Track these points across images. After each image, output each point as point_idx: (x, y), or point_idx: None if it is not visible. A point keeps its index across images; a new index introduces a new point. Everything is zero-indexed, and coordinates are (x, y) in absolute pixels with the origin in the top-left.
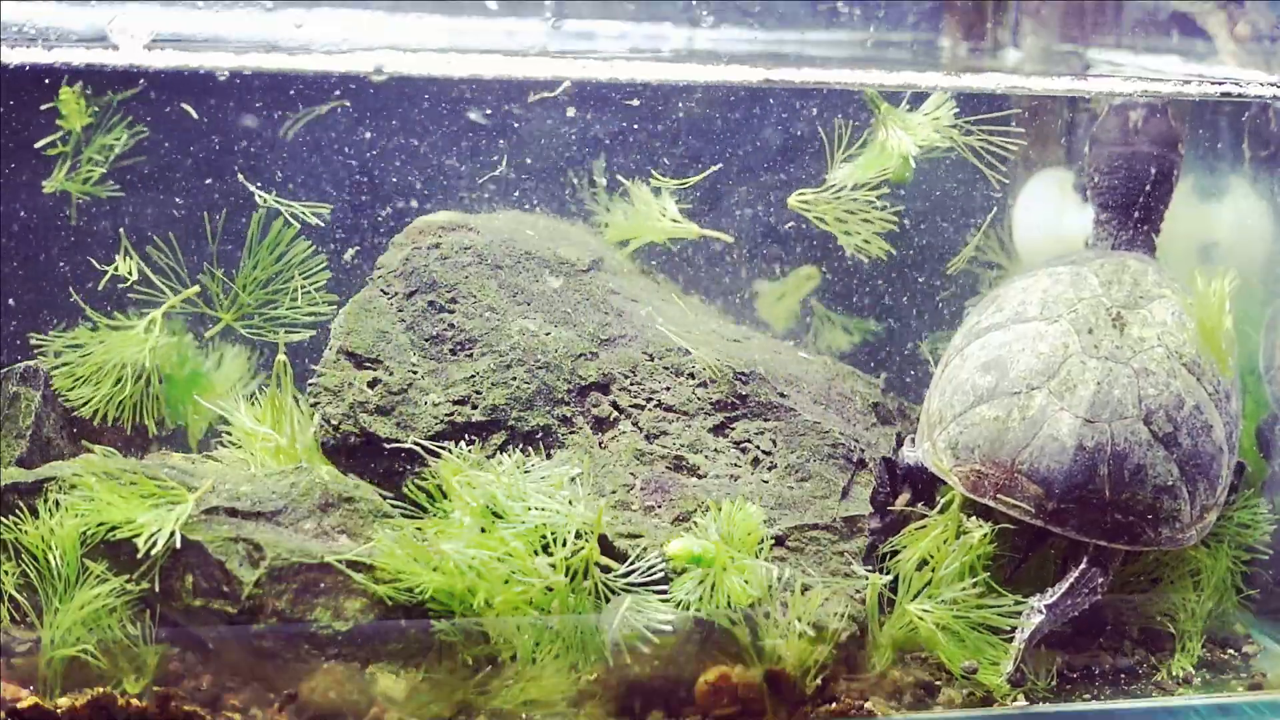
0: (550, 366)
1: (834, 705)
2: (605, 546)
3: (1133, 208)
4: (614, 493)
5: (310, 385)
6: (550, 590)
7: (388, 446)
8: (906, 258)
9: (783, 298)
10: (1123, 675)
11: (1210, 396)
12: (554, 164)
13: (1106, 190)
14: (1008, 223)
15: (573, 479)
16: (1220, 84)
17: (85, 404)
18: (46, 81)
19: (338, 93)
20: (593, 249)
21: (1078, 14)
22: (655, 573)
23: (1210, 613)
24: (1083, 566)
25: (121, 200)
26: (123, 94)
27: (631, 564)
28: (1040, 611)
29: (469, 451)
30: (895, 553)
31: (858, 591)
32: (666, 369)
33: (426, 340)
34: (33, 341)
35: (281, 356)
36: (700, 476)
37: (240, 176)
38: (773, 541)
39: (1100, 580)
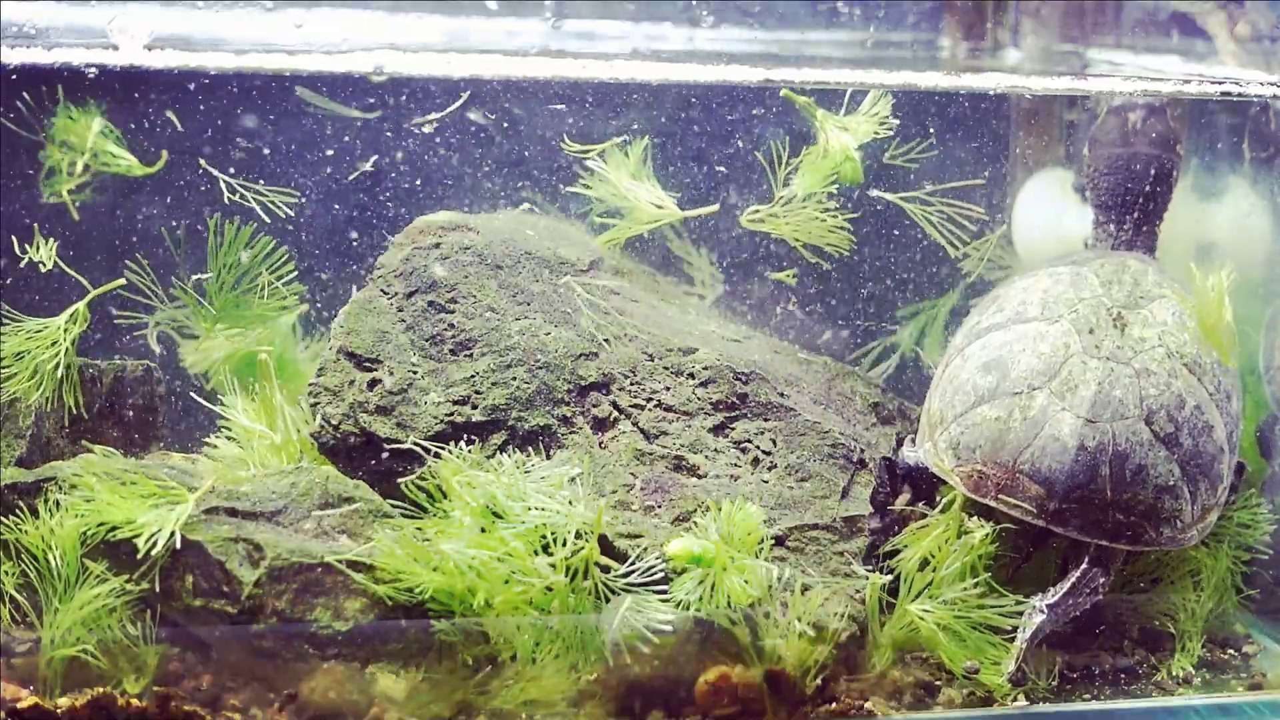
0: (550, 366)
1: (834, 705)
2: (605, 546)
3: (1132, 208)
4: (614, 493)
5: (310, 385)
6: (550, 590)
7: (387, 447)
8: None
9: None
10: (1123, 675)
11: (1211, 397)
12: (538, 160)
13: (1106, 190)
14: (1008, 223)
15: (573, 479)
16: (1220, 84)
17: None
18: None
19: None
20: (593, 249)
21: (1078, 14)
22: (655, 573)
23: (1210, 613)
24: (1084, 566)
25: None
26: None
27: (631, 564)
28: (1042, 611)
29: (469, 451)
30: (895, 552)
31: (858, 591)
32: (666, 369)
33: (426, 340)
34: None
35: (263, 356)
36: (700, 476)
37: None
38: (773, 541)
39: (1101, 580)
